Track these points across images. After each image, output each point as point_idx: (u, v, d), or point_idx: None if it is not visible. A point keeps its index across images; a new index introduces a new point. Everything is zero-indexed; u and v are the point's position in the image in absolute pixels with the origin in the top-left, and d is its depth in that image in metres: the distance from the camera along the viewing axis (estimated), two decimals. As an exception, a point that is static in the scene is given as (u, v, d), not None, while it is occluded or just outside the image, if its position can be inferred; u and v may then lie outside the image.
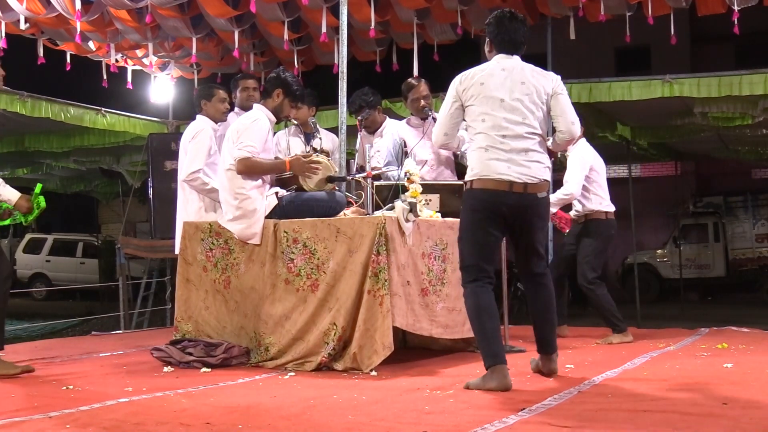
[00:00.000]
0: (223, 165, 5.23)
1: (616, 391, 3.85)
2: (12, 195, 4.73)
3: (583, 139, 6.40)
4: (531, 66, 4.28)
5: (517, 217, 4.17)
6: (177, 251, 5.77)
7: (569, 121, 4.23)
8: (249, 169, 5.07)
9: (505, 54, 4.25)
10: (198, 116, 5.93)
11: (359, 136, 6.27)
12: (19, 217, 4.83)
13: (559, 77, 4.32)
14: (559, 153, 5.52)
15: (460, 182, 5.61)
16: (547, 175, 4.23)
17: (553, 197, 6.04)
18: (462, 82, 4.21)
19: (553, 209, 6.18)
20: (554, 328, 4.47)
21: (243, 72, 9.03)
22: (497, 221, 4.15)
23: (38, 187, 4.85)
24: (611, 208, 6.50)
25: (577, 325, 7.36)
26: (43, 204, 4.82)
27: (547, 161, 4.24)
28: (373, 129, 6.28)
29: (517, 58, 4.27)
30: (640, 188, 14.19)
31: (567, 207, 6.63)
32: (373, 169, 5.31)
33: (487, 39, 4.33)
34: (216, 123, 5.96)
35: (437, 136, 4.38)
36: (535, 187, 4.13)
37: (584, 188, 6.39)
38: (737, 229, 17.63)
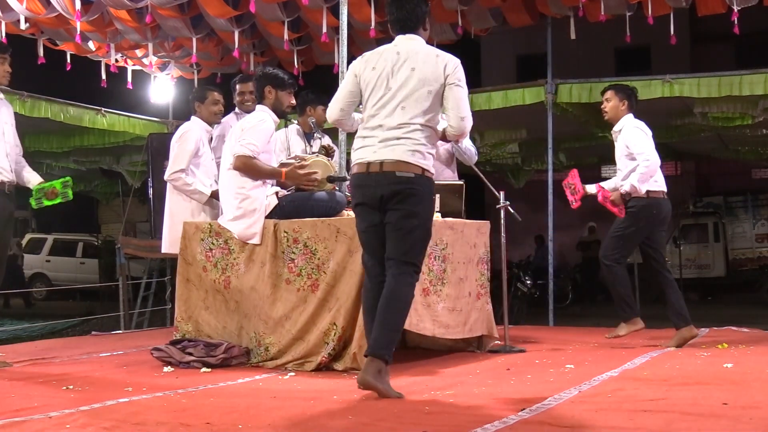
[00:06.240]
0: (225, 165, 5.24)
1: (616, 391, 3.84)
2: (34, 179, 5.27)
3: (630, 115, 5.88)
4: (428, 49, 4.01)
5: None
6: (163, 250, 5.88)
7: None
8: (246, 167, 5.06)
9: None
10: (192, 117, 5.99)
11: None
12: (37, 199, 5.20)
13: (457, 61, 3.97)
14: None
15: (460, 182, 5.63)
16: None
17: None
18: None
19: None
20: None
21: (243, 72, 9.02)
22: None
23: (69, 181, 5.25)
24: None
25: (579, 325, 7.35)
26: (70, 195, 5.22)
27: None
28: None
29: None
30: (641, 188, 14.14)
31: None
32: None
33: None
34: (210, 125, 5.99)
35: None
36: None
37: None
38: (737, 229, 17.62)
